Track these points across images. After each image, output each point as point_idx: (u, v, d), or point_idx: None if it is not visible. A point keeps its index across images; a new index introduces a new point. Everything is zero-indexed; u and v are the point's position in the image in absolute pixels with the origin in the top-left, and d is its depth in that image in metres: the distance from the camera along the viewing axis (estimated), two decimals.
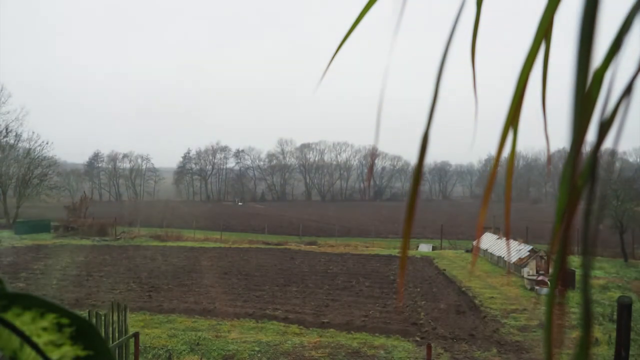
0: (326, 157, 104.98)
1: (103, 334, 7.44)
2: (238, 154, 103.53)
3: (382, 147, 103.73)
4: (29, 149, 46.00)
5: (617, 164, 15.40)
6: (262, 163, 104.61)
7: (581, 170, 0.40)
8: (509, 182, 0.56)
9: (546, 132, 0.62)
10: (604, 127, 0.40)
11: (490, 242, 25.93)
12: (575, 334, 0.44)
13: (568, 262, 0.41)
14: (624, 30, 0.41)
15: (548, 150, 0.67)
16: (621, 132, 0.39)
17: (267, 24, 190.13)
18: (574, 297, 13.22)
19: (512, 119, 0.51)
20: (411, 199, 0.48)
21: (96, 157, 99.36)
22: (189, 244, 30.76)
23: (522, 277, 19.01)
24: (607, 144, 0.41)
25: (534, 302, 15.65)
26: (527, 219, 44.33)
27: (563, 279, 0.41)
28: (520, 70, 0.50)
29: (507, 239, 0.75)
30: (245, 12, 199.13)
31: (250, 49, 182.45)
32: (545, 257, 19.66)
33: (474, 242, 28.77)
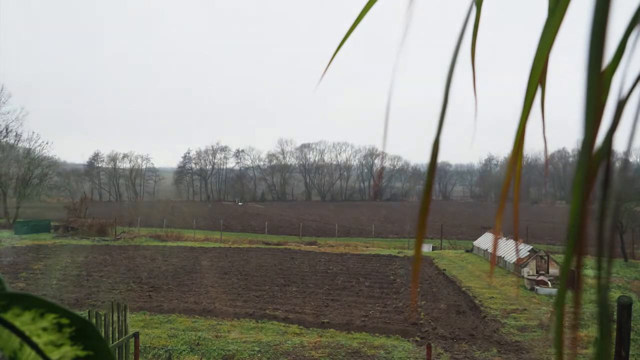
0: (326, 157, 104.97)
1: (103, 334, 7.44)
2: (238, 154, 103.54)
3: (382, 147, 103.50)
4: (29, 149, 46.06)
5: (617, 164, 15.33)
6: (262, 163, 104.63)
7: (592, 162, 0.40)
8: (517, 190, 0.56)
9: (544, 135, 0.62)
10: (621, 107, 0.40)
11: (490, 242, 25.93)
12: (575, 334, 0.44)
13: (582, 262, 0.41)
14: None
15: (546, 153, 0.66)
16: (637, 121, 0.38)
17: (268, 24, 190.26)
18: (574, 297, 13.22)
19: (517, 148, 0.52)
20: (423, 206, 0.48)
21: (96, 157, 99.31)
22: (189, 244, 30.76)
23: (522, 277, 19.02)
24: (616, 145, 0.41)
25: (534, 302, 15.64)
26: (527, 219, 44.33)
27: (578, 280, 0.41)
28: (521, 111, 0.51)
29: (517, 241, 0.75)
30: (245, 12, 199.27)
31: (250, 48, 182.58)
32: (546, 257, 19.67)
33: (474, 242, 28.78)
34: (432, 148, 0.49)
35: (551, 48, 0.49)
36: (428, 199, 0.49)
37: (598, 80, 0.40)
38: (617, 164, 0.43)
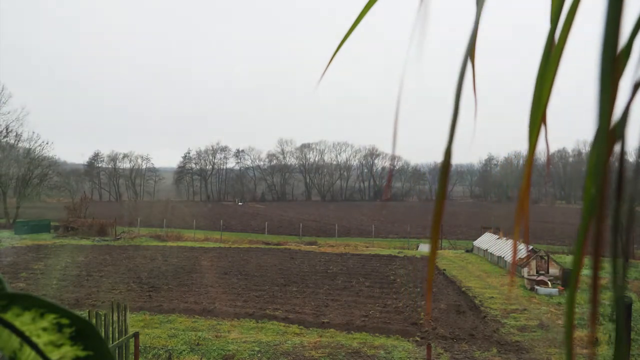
0: (326, 157, 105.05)
1: (103, 334, 7.44)
2: (238, 154, 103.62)
3: (382, 147, 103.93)
4: (29, 149, 46.07)
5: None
6: (262, 163, 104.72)
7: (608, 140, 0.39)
8: (527, 194, 0.56)
9: (546, 138, 0.62)
10: (636, 88, 0.39)
11: (490, 242, 25.94)
12: (593, 334, 0.44)
13: (600, 262, 0.40)
14: None
15: (548, 155, 0.66)
16: None
17: (268, 23, 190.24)
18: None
19: (527, 178, 0.52)
20: (436, 215, 0.48)
21: (96, 157, 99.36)
22: (189, 244, 30.76)
23: (522, 277, 19.02)
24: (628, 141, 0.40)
25: (534, 302, 15.64)
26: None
27: (595, 281, 0.40)
28: (527, 150, 0.51)
29: (527, 244, 0.74)
30: (245, 12, 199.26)
31: (251, 48, 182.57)
32: (546, 257, 19.66)
33: (474, 242, 28.77)
34: (444, 156, 0.48)
35: (553, 83, 0.49)
36: (441, 208, 0.48)
37: (613, 64, 0.39)
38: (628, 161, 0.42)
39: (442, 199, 0.49)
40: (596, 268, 0.40)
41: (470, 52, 0.57)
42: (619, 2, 0.39)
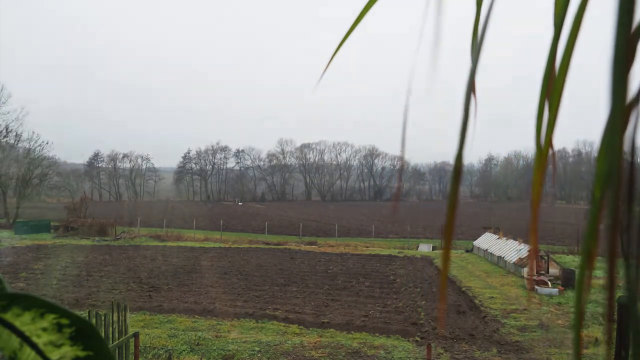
0: (326, 157, 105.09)
1: (103, 334, 7.44)
2: (238, 154, 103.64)
3: (383, 147, 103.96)
4: (29, 149, 46.04)
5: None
6: (262, 163, 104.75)
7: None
8: (537, 209, 0.56)
9: (553, 154, 0.62)
10: None
11: (490, 242, 25.94)
12: (609, 334, 0.43)
13: (615, 262, 0.40)
14: None
15: (554, 156, 0.66)
16: None
17: (267, 23, 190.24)
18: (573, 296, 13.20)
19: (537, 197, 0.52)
20: (448, 223, 0.48)
21: (96, 157, 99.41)
22: (189, 244, 30.76)
23: (522, 277, 19.02)
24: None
25: (534, 302, 15.64)
26: (527, 219, 44.29)
27: (611, 282, 0.40)
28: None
29: (535, 249, 0.73)
30: (245, 12, 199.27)
31: (250, 49, 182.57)
32: (546, 257, 19.66)
33: (474, 242, 28.75)
34: (455, 162, 0.48)
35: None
36: (453, 216, 0.48)
37: (626, 43, 0.39)
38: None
39: (454, 206, 0.48)
40: (611, 269, 0.40)
41: (472, 87, 0.57)
42: None
